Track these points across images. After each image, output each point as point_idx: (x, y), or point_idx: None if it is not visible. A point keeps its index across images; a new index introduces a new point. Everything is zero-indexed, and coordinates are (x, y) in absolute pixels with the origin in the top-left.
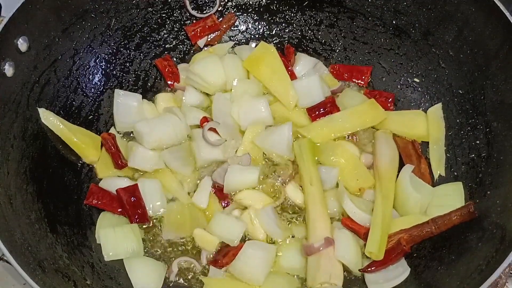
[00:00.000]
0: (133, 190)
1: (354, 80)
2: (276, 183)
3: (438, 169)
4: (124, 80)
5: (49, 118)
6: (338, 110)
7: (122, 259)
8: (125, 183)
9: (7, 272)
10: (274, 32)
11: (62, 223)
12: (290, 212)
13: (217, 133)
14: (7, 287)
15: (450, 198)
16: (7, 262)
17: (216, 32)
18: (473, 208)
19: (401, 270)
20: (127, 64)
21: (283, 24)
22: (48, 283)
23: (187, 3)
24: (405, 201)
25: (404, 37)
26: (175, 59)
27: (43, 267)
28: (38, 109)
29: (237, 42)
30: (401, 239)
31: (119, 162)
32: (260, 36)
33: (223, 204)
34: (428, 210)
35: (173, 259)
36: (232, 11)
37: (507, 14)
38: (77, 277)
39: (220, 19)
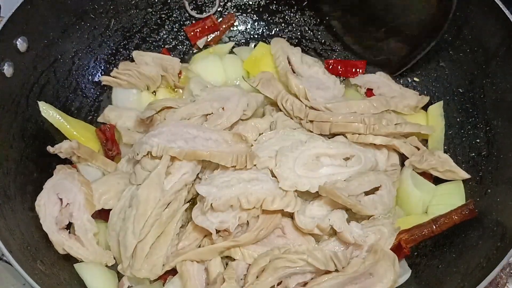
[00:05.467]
0: None
1: (349, 74)
2: None
3: None
4: None
5: (49, 112)
6: None
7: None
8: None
9: (7, 272)
10: (273, 32)
11: None
12: None
13: None
14: (7, 287)
15: (451, 197)
16: (7, 262)
17: (216, 33)
18: (473, 206)
19: (401, 272)
20: None
21: (283, 24)
22: (47, 282)
23: (186, 3)
24: (407, 199)
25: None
26: None
27: (42, 266)
28: (39, 102)
29: (237, 42)
30: (401, 240)
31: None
32: (260, 36)
33: None
34: (429, 209)
35: None
36: (232, 12)
37: (507, 12)
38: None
39: (220, 19)
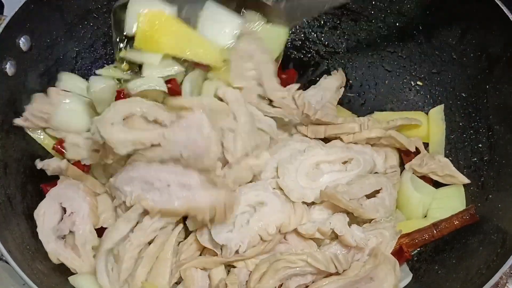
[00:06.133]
0: None
1: None
2: None
3: None
4: None
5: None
6: None
7: None
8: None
9: (6, 273)
10: None
11: None
12: None
13: None
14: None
15: (451, 200)
16: (6, 262)
17: None
18: (474, 211)
19: (402, 276)
20: None
21: None
22: (46, 282)
23: None
24: (407, 202)
25: (408, 39)
26: None
27: (42, 267)
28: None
29: None
30: (402, 244)
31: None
32: None
33: None
34: (429, 212)
35: None
36: None
37: (511, 17)
38: None
39: None
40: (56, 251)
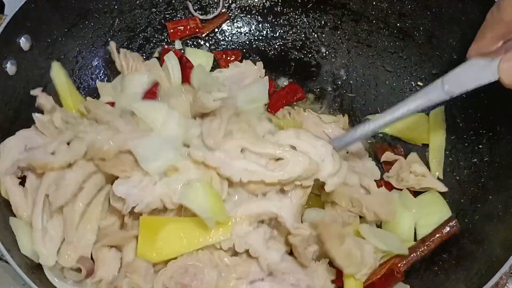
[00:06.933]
0: None
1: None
2: None
3: (437, 171)
4: None
5: (60, 74)
6: None
7: None
8: None
9: (6, 273)
10: (277, 34)
11: None
12: None
13: None
14: None
15: (434, 205)
16: (6, 262)
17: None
18: (455, 222)
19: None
20: None
21: (287, 26)
22: (47, 283)
23: (190, 5)
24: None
25: (408, 40)
26: None
27: (42, 267)
28: (52, 63)
29: (241, 43)
30: (395, 266)
31: None
32: (264, 38)
33: None
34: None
35: None
36: (236, 12)
37: None
38: None
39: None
40: (8, 183)
